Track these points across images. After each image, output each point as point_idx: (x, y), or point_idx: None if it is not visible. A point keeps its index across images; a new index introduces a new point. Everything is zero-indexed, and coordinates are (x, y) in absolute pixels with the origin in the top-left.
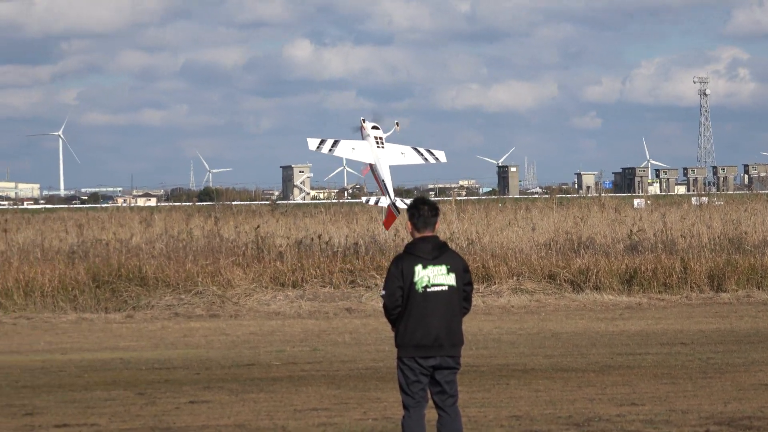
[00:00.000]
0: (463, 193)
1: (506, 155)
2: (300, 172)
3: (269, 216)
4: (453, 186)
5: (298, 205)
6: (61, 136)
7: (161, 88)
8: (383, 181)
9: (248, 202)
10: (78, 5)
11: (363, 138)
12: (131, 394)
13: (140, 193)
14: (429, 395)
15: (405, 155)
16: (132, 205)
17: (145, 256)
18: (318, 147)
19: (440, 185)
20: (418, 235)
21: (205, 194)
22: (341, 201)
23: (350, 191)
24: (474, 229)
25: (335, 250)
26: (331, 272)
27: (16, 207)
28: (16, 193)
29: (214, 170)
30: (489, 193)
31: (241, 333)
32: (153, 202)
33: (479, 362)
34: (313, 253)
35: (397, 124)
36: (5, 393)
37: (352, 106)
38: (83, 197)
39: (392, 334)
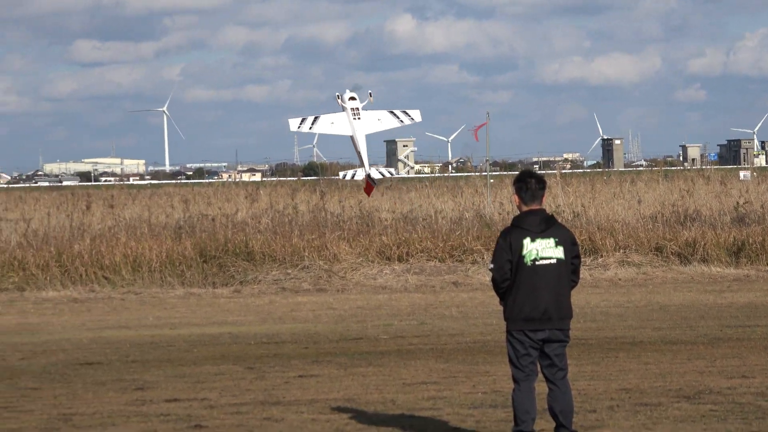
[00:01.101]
0: (568, 166)
1: (597, 126)
2: (404, 146)
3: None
4: (557, 159)
5: (403, 179)
6: (166, 112)
7: (264, 63)
8: (359, 152)
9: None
10: None
11: (342, 110)
12: (240, 368)
13: (245, 169)
14: (538, 368)
15: (381, 121)
16: (237, 180)
17: (252, 231)
18: (299, 126)
19: (545, 158)
20: (525, 208)
21: (310, 169)
22: (446, 175)
23: (454, 165)
24: (579, 202)
25: (441, 223)
26: (437, 246)
27: (122, 183)
28: (122, 169)
29: (315, 141)
30: (594, 166)
31: (348, 307)
32: (258, 177)
33: (587, 335)
34: (419, 227)
35: (371, 94)
36: (116, 368)
37: (455, 80)
38: (188, 173)
39: (500, 307)
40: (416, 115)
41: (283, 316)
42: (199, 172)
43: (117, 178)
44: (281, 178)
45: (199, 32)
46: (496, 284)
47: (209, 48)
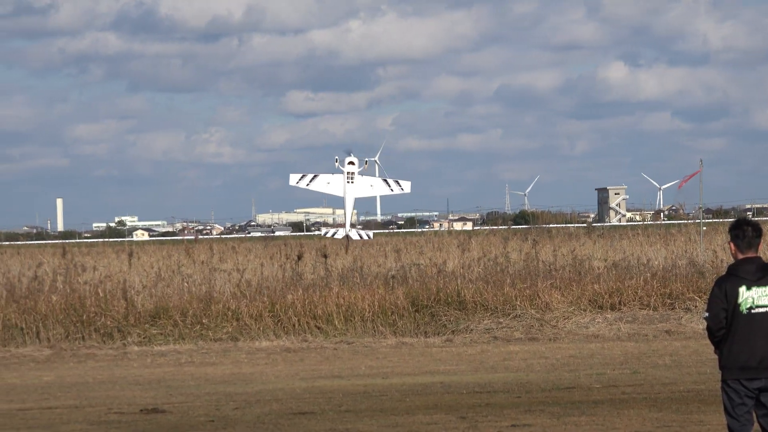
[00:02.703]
0: None
1: None
2: (615, 194)
3: (586, 238)
4: None
5: (614, 227)
6: (377, 161)
7: (476, 112)
8: (345, 213)
9: (564, 225)
10: (393, 32)
11: (340, 172)
12: (453, 417)
13: (456, 218)
14: (754, 418)
15: (374, 187)
16: (449, 229)
17: (463, 280)
18: (298, 182)
19: (758, 205)
20: (741, 256)
21: (521, 217)
22: (658, 222)
23: (666, 212)
24: None
25: (653, 271)
26: (649, 294)
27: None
28: (333, 219)
29: (527, 190)
30: None
31: (560, 356)
32: (469, 226)
33: None
34: (631, 275)
35: (366, 162)
36: (329, 417)
37: (668, 127)
38: (399, 222)
39: (714, 356)
40: (406, 186)
41: (495, 365)
42: (411, 222)
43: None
44: (493, 227)
45: (411, 82)
46: (711, 333)
47: (421, 97)
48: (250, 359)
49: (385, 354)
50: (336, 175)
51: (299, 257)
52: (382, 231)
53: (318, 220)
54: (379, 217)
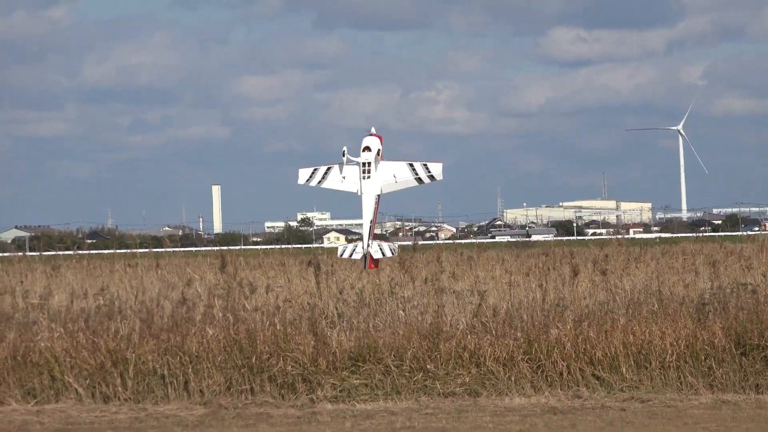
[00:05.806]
0: None
1: None
2: None
3: None
4: None
5: None
6: (681, 131)
7: None
8: (364, 218)
9: None
10: None
11: (355, 162)
12: None
13: None
14: None
15: (396, 178)
16: None
17: None
18: (308, 180)
19: None
20: None
21: None
22: None
23: None
24: None
25: None
26: None
27: (616, 237)
28: (617, 216)
29: None
30: None
31: None
32: None
33: None
34: None
35: (380, 152)
36: None
37: None
38: (715, 221)
39: None
40: (436, 169)
41: None
42: (732, 220)
43: (610, 230)
44: None
45: (731, 14)
46: None
47: (748, 36)
48: (496, 424)
49: (698, 418)
50: (352, 168)
51: (575, 272)
52: (686, 235)
53: (595, 217)
54: (684, 215)
